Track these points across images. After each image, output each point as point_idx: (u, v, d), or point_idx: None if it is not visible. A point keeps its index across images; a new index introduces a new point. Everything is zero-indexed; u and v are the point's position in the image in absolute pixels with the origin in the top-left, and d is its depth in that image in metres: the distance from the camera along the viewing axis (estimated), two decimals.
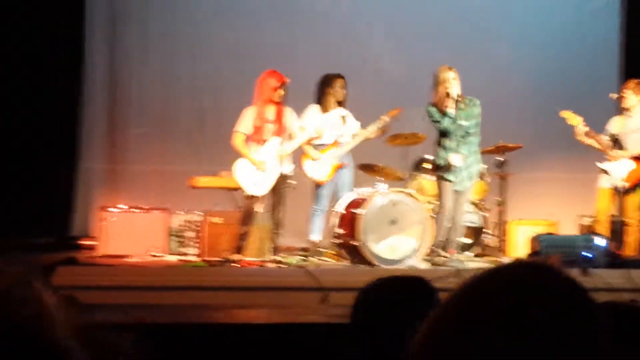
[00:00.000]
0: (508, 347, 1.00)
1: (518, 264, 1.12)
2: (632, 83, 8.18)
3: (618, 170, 7.89)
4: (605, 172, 8.00)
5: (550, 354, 1.00)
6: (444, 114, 7.39)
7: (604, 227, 7.94)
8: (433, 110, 7.46)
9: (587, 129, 8.00)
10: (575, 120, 8.06)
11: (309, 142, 7.82)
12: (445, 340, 1.04)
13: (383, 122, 7.98)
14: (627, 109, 8.06)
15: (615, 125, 8.15)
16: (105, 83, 10.42)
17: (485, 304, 1.04)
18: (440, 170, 7.54)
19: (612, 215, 8.06)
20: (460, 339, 1.03)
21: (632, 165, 7.89)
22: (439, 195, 7.63)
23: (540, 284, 1.05)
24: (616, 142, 8.09)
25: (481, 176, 8.97)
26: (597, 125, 8.39)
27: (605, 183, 8.03)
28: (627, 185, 7.81)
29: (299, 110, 7.94)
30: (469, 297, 1.07)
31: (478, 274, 1.11)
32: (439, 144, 7.58)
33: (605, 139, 8.07)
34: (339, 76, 8.07)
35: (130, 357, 1.01)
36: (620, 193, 7.86)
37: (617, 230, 7.80)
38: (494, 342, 1.01)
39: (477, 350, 1.01)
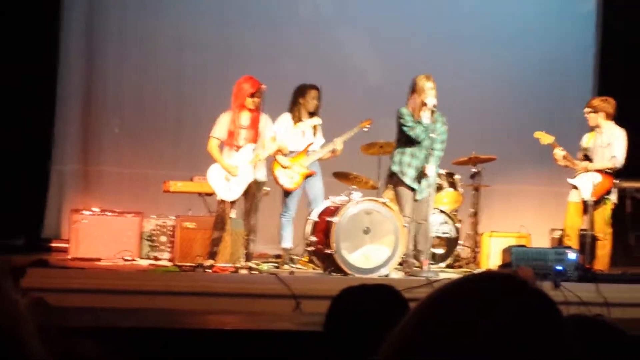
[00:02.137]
0: (473, 356, 1.00)
1: (486, 274, 1.12)
2: (595, 101, 8.28)
3: (586, 184, 7.98)
4: (575, 187, 8.09)
5: None
6: (417, 121, 7.40)
7: (572, 241, 8.01)
8: (406, 112, 7.44)
9: (563, 152, 8.11)
10: (547, 139, 8.17)
11: (277, 152, 7.84)
12: (412, 348, 1.04)
13: (353, 133, 8.05)
14: (596, 126, 8.15)
15: (586, 140, 8.25)
16: (80, 83, 10.32)
17: (452, 312, 1.04)
18: (400, 177, 7.50)
19: (581, 230, 8.13)
20: (426, 347, 1.02)
21: (598, 178, 7.98)
22: (399, 203, 7.59)
23: (507, 294, 1.05)
24: (587, 158, 8.18)
25: (454, 186, 9.02)
26: (572, 138, 8.48)
27: (574, 197, 8.13)
28: (593, 198, 7.89)
29: (276, 114, 7.94)
30: (437, 305, 1.07)
31: (447, 283, 1.11)
32: (400, 150, 7.54)
33: (578, 161, 8.15)
34: (313, 87, 8.09)
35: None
36: (589, 207, 7.94)
37: (586, 244, 7.87)
38: (460, 351, 1.00)
39: (442, 359, 1.00)
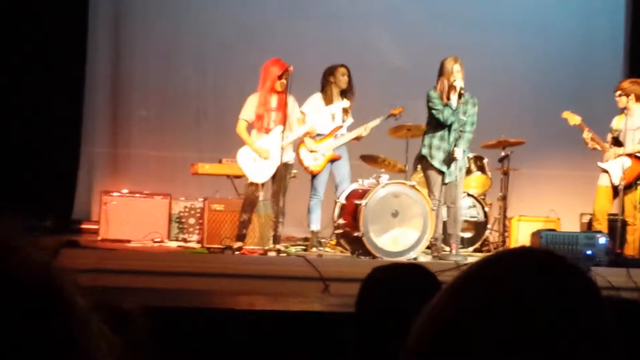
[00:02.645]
0: (509, 335, 0.96)
1: (522, 249, 1.09)
2: (625, 83, 8.18)
3: (616, 168, 7.89)
4: (605, 171, 8.01)
5: (552, 345, 0.96)
6: (445, 104, 7.38)
7: (602, 226, 7.94)
8: (435, 95, 7.43)
9: (590, 134, 8.03)
10: (574, 119, 8.09)
11: (306, 134, 7.83)
12: (445, 326, 1.00)
13: (382, 120, 8.05)
14: (626, 108, 8.06)
15: (616, 123, 8.16)
16: (108, 66, 10.40)
17: (489, 288, 1.00)
18: (429, 160, 7.49)
19: (611, 214, 8.05)
20: (459, 326, 0.99)
21: (628, 162, 7.89)
22: (428, 186, 7.59)
23: (546, 271, 1.01)
24: (617, 141, 8.09)
25: (483, 169, 8.97)
26: (602, 120, 8.39)
27: (604, 181, 8.04)
28: (623, 182, 7.81)
29: (304, 98, 7.93)
30: (470, 281, 1.03)
31: (481, 259, 1.07)
32: (430, 134, 7.54)
33: (607, 144, 8.06)
34: (341, 65, 8.07)
35: (139, 325, 1.01)
36: (619, 192, 7.86)
37: (616, 228, 7.80)
38: (495, 329, 0.97)
39: (476, 337, 0.97)
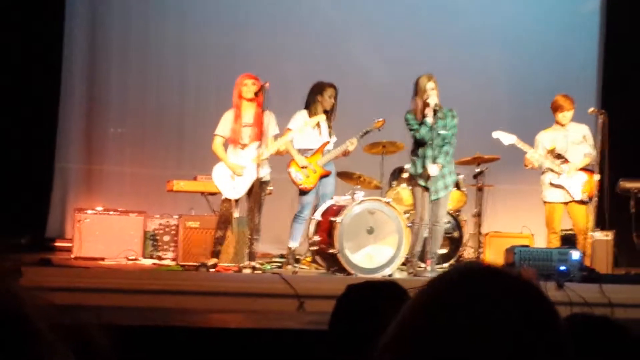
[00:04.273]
0: (466, 346, 0.98)
1: (469, 265, 1.11)
2: (563, 98, 8.21)
3: (574, 184, 7.99)
4: (561, 186, 8.06)
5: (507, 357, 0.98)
6: (421, 122, 7.43)
7: (557, 243, 8.03)
8: (410, 117, 7.51)
9: (543, 152, 8.09)
10: (508, 139, 8.14)
11: (286, 150, 7.79)
12: (408, 338, 1.02)
13: (367, 132, 8.06)
14: (558, 124, 8.12)
15: (550, 140, 8.18)
16: (83, 82, 10.35)
17: (436, 304, 1.03)
18: (415, 178, 7.58)
19: (566, 229, 8.17)
20: (421, 338, 1.01)
21: (585, 176, 8.00)
22: (414, 204, 7.66)
23: (500, 291, 1.03)
24: (558, 156, 8.13)
25: (458, 186, 9.02)
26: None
27: (556, 197, 8.08)
28: (586, 196, 7.92)
29: (284, 113, 7.92)
30: (429, 297, 1.05)
31: (442, 273, 1.09)
32: (415, 152, 7.62)
33: (557, 161, 8.11)
34: (331, 85, 8.06)
35: (108, 355, 1.00)
36: (587, 205, 7.95)
37: (575, 242, 7.91)
38: (452, 343, 0.98)
39: (436, 351, 0.99)
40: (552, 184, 8.11)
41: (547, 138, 8.20)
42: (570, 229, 8.30)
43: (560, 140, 8.16)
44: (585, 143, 8.10)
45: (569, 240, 8.16)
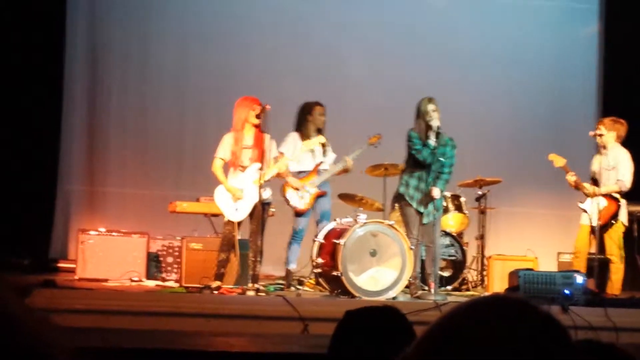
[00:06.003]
0: None
1: (495, 297, 1.10)
2: (606, 121, 8.22)
3: (592, 209, 7.96)
4: (585, 210, 8.07)
5: None
6: (424, 144, 7.44)
7: (581, 264, 7.99)
8: (415, 135, 7.49)
9: (574, 178, 8.08)
10: (560, 162, 8.13)
11: (285, 172, 7.79)
12: None
13: (363, 150, 8.05)
14: (603, 147, 8.11)
15: (594, 163, 8.23)
16: (85, 104, 10.37)
17: (461, 337, 1.02)
18: (406, 199, 7.53)
19: (590, 253, 8.09)
20: None
21: (603, 202, 7.97)
22: (405, 223, 7.60)
23: (518, 318, 1.04)
24: (595, 181, 8.16)
25: (460, 208, 9.02)
26: (579, 160, 8.47)
27: (585, 220, 8.09)
28: (600, 223, 7.88)
29: (280, 136, 7.94)
30: (445, 329, 1.05)
31: (455, 307, 1.09)
32: (410, 173, 7.58)
33: (588, 184, 8.11)
34: (318, 104, 8.11)
35: None
36: (596, 232, 7.91)
37: (594, 268, 7.84)
38: None
39: None
40: (579, 206, 8.12)
41: (593, 161, 8.24)
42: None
43: (596, 164, 8.18)
44: (618, 168, 8.05)
45: (601, 264, 8.07)
